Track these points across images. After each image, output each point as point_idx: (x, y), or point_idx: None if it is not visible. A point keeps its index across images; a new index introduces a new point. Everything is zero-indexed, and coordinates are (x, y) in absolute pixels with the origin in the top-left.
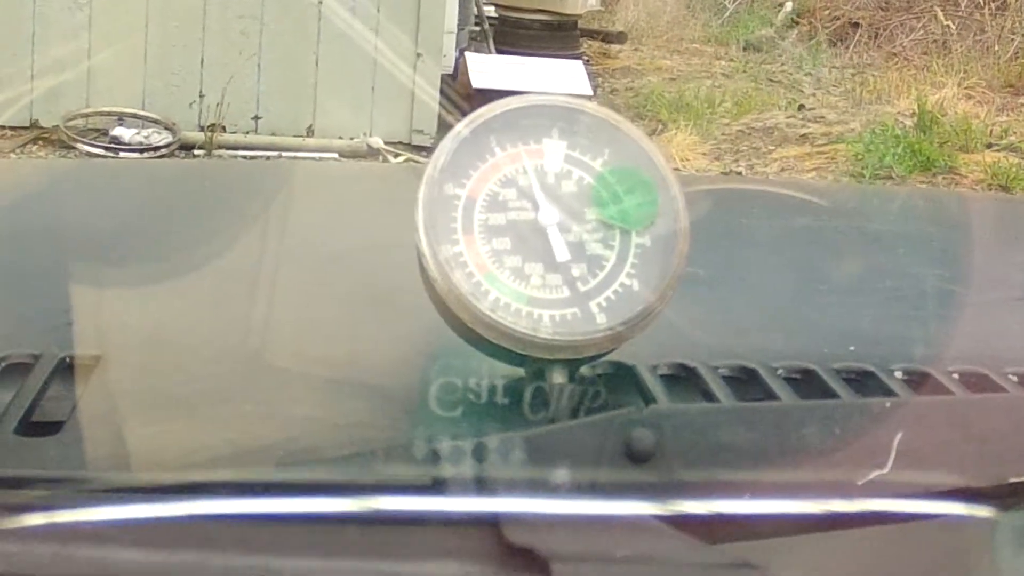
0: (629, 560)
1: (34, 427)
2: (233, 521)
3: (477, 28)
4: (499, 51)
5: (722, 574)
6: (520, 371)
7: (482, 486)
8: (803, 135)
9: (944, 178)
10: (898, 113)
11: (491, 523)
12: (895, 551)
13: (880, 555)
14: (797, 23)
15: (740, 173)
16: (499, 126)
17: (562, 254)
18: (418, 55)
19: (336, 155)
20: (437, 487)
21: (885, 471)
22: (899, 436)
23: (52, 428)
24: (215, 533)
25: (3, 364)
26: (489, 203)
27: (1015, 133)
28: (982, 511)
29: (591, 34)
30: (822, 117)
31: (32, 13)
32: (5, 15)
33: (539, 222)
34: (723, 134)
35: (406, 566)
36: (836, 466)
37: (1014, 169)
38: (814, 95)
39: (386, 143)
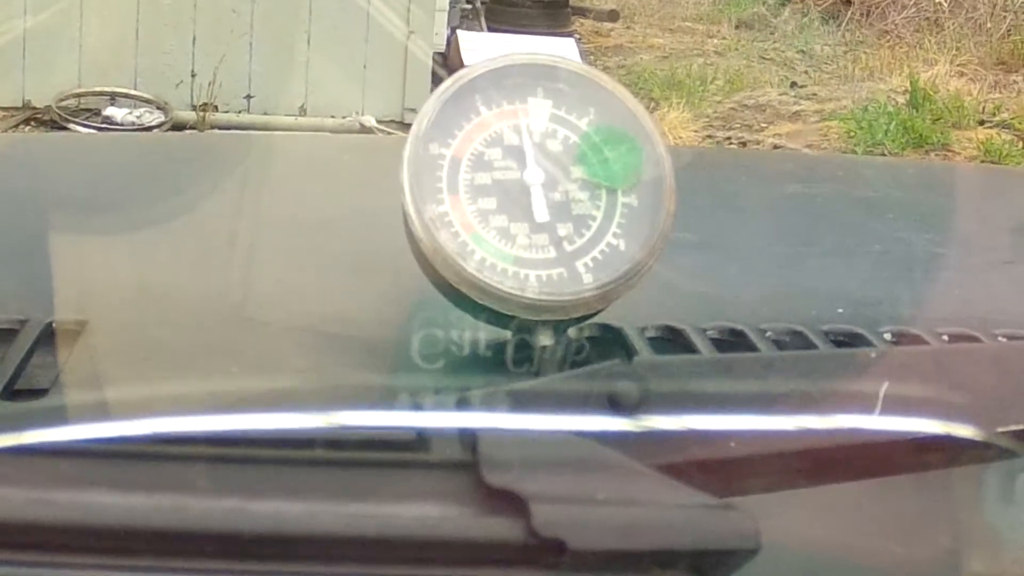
0: (610, 502)
1: (19, 394)
2: (211, 466)
3: (468, 6)
4: (491, 29)
5: (707, 517)
6: (481, 327)
7: (463, 436)
8: (795, 112)
9: (937, 155)
10: (890, 90)
11: (470, 467)
12: (880, 499)
13: (865, 502)
14: (789, 1)
15: (732, 148)
16: (484, 85)
17: (545, 214)
18: (410, 33)
19: (328, 134)
20: (419, 437)
21: (872, 417)
22: (885, 385)
23: (38, 395)
24: (194, 478)
25: None
26: (474, 163)
27: (1007, 110)
28: (969, 460)
29: (583, 12)
30: (814, 94)
31: None
32: None
33: (525, 181)
34: (715, 112)
35: (384, 508)
36: (822, 414)
37: (1006, 146)
38: (806, 73)
39: (379, 121)
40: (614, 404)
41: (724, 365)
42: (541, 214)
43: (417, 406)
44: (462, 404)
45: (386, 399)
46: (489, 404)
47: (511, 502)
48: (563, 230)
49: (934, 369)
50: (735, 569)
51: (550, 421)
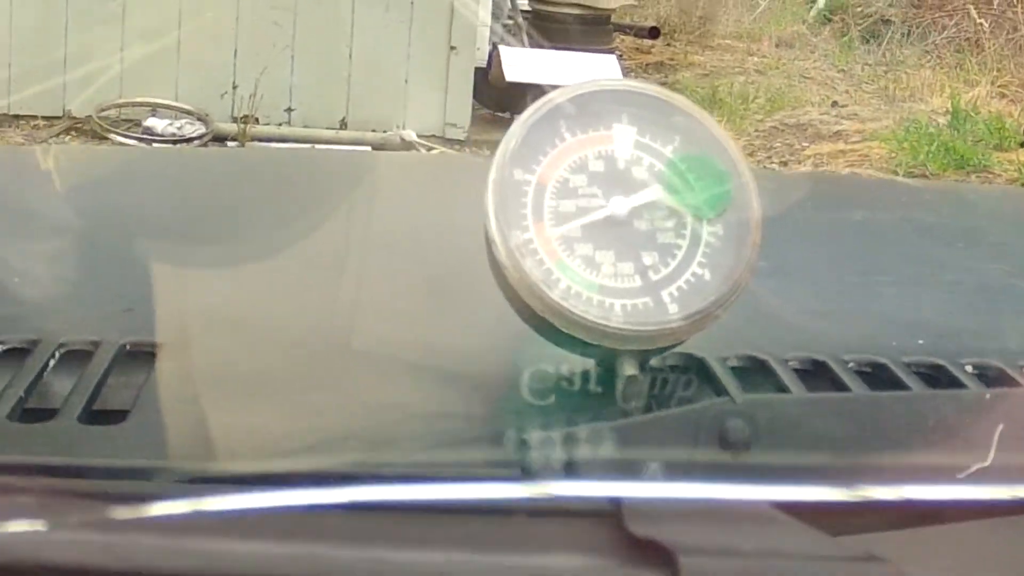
0: (758, 554)
1: (97, 416)
2: (342, 514)
3: (511, 21)
4: (532, 45)
5: (851, 568)
6: (590, 362)
7: (576, 474)
8: (836, 132)
9: (978, 176)
10: (931, 111)
11: (611, 515)
12: (1000, 544)
13: (995, 544)
14: (829, 20)
15: (775, 169)
16: (569, 111)
17: (630, 243)
18: (452, 48)
19: (369, 148)
20: (527, 475)
21: (986, 463)
22: (999, 428)
23: (116, 416)
24: (325, 526)
25: (62, 351)
26: (559, 189)
27: None
28: None
29: (624, 29)
30: (855, 114)
31: (65, 2)
32: (39, 4)
33: (609, 209)
34: (756, 130)
35: (527, 559)
36: (937, 458)
37: None
38: (847, 92)
39: (419, 136)
40: (725, 444)
41: (836, 406)
42: (626, 243)
43: (523, 443)
44: (570, 441)
45: (492, 436)
46: (597, 441)
47: (657, 553)
48: (648, 259)
49: None
50: None
51: (665, 465)
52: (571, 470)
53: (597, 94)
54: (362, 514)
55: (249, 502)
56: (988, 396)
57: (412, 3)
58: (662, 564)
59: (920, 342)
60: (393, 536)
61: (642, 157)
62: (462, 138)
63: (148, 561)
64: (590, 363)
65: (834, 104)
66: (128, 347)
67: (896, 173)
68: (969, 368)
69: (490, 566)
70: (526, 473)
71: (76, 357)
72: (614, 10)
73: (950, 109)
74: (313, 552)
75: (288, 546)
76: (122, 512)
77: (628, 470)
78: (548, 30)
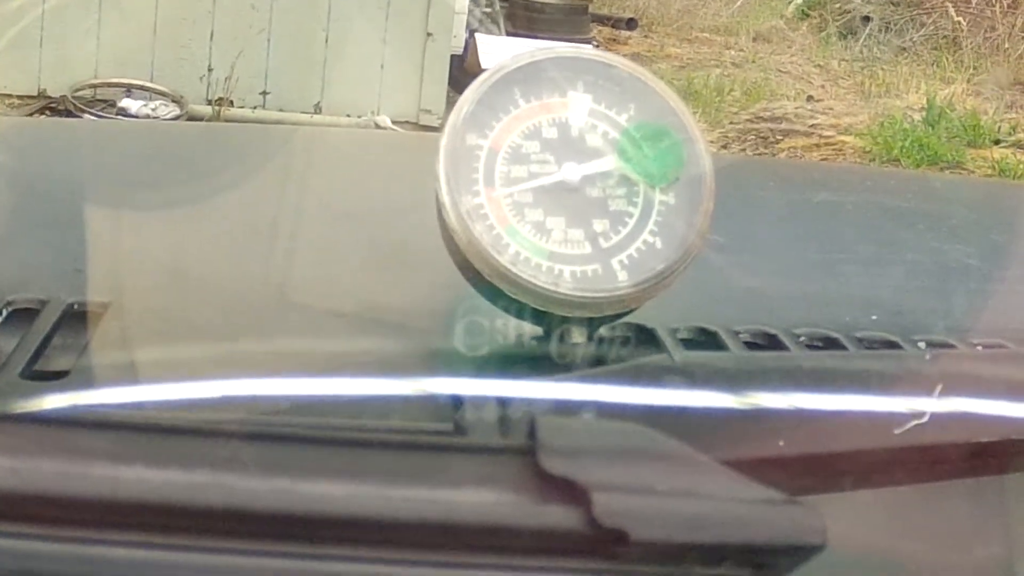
0: (672, 494)
1: (40, 375)
2: (253, 442)
3: (488, 9)
4: (509, 33)
5: (773, 511)
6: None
7: (518, 422)
8: (811, 126)
9: (951, 172)
10: (907, 107)
11: (527, 453)
12: (935, 503)
13: (920, 506)
14: (807, 15)
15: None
16: (523, 77)
17: (581, 209)
18: (428, 35)
19: (353, 129)
20: (471, 421)
21: (923, 420)
22: (939, 387)
23: (59, 376)
24: (235, 455)
25: (9, 310)
26: (511, 155)
27: (1022, 130)
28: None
29: (601, 19)
30: (831, 109)
31: None
32: None
33: (561, 176)
34: (731, 123)
35: (437, 492)
36: (875, 415)
37: (1021, 166)
38: (823, 87)
39: (394, 122)
40: (660, 400)
41: (776, 363)
42: (577, 209)
43: (457, 398)
44: (503, 396)
45: (431, 382)
46: (532, 397)
47: (571, 490)
48: (599, 226)
49: (981, 374)
50: (798, 565)
51: (598, 418)
52: (506, 424)
53: (552, 61)
54: (272, 444)
55: (157, 418)
56: (928, 356)
57: None
58: (575, 501)
59: (874, 318)
60: (302, 467)
61: (596, 125)
62: (436, 124)
63: (50, 484)
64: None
65: (809, 98)
66: (75, 306)
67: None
68: (921, 344)
69: (398, 498)
70: (459, 427)
71: (23, 315)
72: (592, 0)
73: (925, 106)
74: (217, 479)
75: (194, 473)
76: (30, 444)
77: (559, 424)
78: (525, 19)
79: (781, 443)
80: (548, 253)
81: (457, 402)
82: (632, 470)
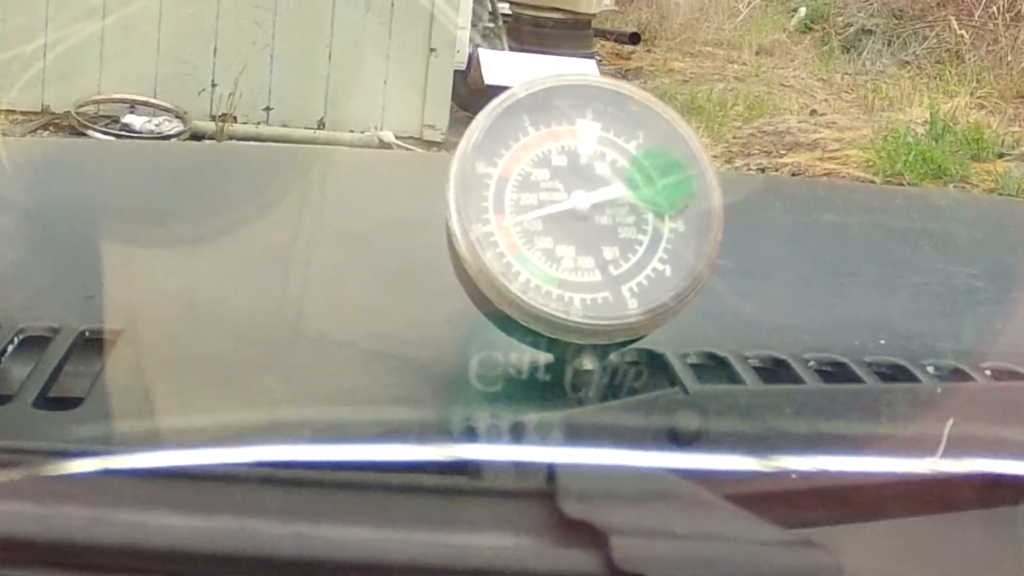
0: (691, 537)
1: (52, 402)
2: (274, 489)
3: (491, 25)
4: (513, 48)
5: (785, 552)
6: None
7: (538, 466)
8: (814, 140)
9: (955, 186)
10: (910, 121)
11: (547, 497)
12: (946, 536)
13: (931, 539)
14: (810, 29)
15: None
16: (532, 105)
17: (591, 237)
18: (431, 50)
19: (369, 149)
20: (488, 465)
21: (936, 457)
22: (950, 422)
23: (72, 403)
24: (257, 502)
25: (21, 337)
26: (521, 183)
27: None
28: None
29: (604, 34)
30: (834, 123)
31: None
32: None
33: (571, 204)
34: (735, 137)
35: (457, 537)
36: (889, 448)
37: None
38: (826, 101)
39: (397, 137)
40: (675, 436)
41: (788, 398)
42: (587, 237)
43: (471, 432)
44: (517, 431)
45: (447, 420)
46: (545, 431)
47: (590, 534)
48: (609, 254)
49: (993, 406)
50: None
51: (613, 454)
52: (521, 460)
53: (561, 89)
54: (293, 489)
55: (178, 463)
56: (940, 390)
57: (392, 4)
58: (594, 545)
59: (882, 342)
60: (322, 512)
61: (605, 152)
62: (440, 140)
63: (75, 531)
64: (541, 352)
65: (812, 112)
66: (87, 334)
67: (873, 182)
68: (931, 369)
69: (419, 543)
70: (475, 470)
71: (34, 343)
72: (595, 15)
73: (929, 119)
74: (240, 525)
75: (216, 519)
76: (49, 482)
77: (572, 461)
78: (528, 34)
79: (795, 476)
80: (558, 281)
81: (473, 441)
82: (650, 513)
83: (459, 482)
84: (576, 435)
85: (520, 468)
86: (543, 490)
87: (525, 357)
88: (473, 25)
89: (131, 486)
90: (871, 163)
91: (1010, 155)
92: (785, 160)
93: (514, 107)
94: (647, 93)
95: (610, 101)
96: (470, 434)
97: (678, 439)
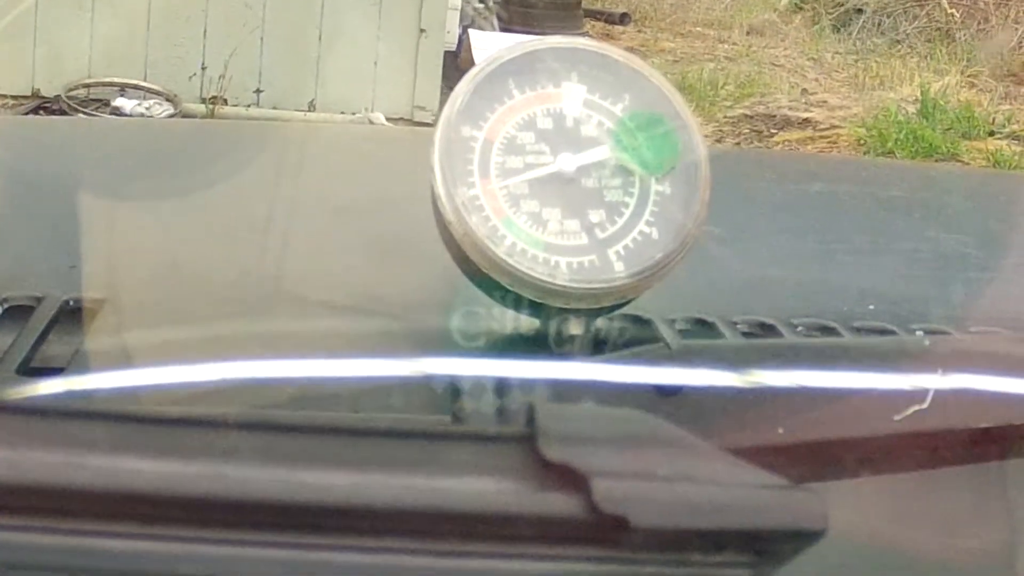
0: (673, 479)
1: (36, 371)
2: (251, 433)
3: (481, 5)
4: (502, 29)
5: (774, 496)
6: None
7: (518, 410)
8: (805, 119)
9: (946, 164)
10: (901, 99)
11: (527, 440)
12: (936, 489)
13: (919, 492)
14: (801, 8)
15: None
16: (517, 68)
17: (576, 200)
18: (421, 31)
19: (349, 124)
20: (470, 409)
21: (924, 405)
22: (938, 371)
23: (55, 372)
24: (234, 445)
25: (4, 306)
26: (506, 146)
27: (1017, 121)
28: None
29: (595, 14)
30: (825, 102)
31: None
32: None
33: (557, 167)
34: (725, 117)
35: (437, 480)
36: (874, 400)
37: (1016, 157)
38: (817, 80)
39: (388, 119)
40: (660, 388)
41: (774, 351)
42: (573, 200)
43: (462, 379)
44: (501, 386)
45: (428, 371)
46: (530, 386)
47: (570, 477)
48: (595, 217)
49: (980, 358)
50: (799, 551)
51: (597, 406)
52: (504, 415)
53: (546, 51)
54: (271, 433)
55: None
56: (927, 342)
57: None
58: (575, 488)
59: (871, 307)
60: (302, 456)
61: (591, 115)
62: (430, 121)
63: (50, 476)
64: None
65: (803, 92)
66: (71, 303)
67: None
68: (919, 333)
69: (400, 487)
70: (456, 417)
71: (18, 312)
72: None
73: (920, 98)
74: (216, 469)
75: (194, 464)
76: (24, 428)
77: (557, 412)
78: (519, 14)
79: (780, 429)
80: (544, 244)
81: (455, 390)
82: (632, 456)
83: (440, 426)
84: (558, 386)
85: (502, 414)
86: (524, 434)
87: (508, 313)
88: (463, 6)
89: (108, 431)
90: (862, 141)
91: (1000, 133)
92: (776, 139)
93: (499, 70)
94: (633, 55)
95: (595, 63)
96: (452, 382)
97: (661, 391)
